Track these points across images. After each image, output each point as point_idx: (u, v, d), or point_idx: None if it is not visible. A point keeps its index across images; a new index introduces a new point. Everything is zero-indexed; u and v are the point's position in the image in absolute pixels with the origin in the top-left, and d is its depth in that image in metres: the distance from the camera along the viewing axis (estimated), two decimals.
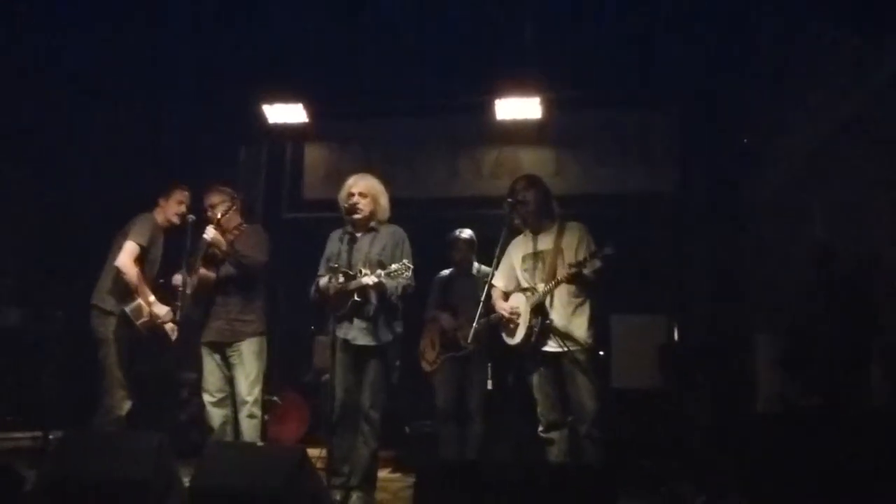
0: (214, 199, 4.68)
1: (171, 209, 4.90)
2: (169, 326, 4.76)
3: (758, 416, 4.70)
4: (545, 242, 4.28)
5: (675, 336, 6.25)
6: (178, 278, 4.70)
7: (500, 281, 4.43)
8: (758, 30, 5.71)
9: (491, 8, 5.90)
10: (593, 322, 4.19)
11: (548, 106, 6.59)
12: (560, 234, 4.24)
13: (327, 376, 4.42)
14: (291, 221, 7.31)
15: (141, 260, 4.74)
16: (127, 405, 4.72)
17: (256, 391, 4.62)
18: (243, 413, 4.60)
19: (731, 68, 6.15)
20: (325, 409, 4.42)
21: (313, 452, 4.14)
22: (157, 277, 4.93)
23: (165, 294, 4.82)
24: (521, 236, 4.42)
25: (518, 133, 6.97)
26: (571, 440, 4.19)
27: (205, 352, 4.69)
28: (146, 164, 6.97)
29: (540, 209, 4.30)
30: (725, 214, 6.46)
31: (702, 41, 6.06)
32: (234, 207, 4.71)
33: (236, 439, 4.56)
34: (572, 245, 4.18)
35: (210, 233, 4.52)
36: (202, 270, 4.55)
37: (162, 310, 4.76)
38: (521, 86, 6.41)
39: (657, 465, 4.97)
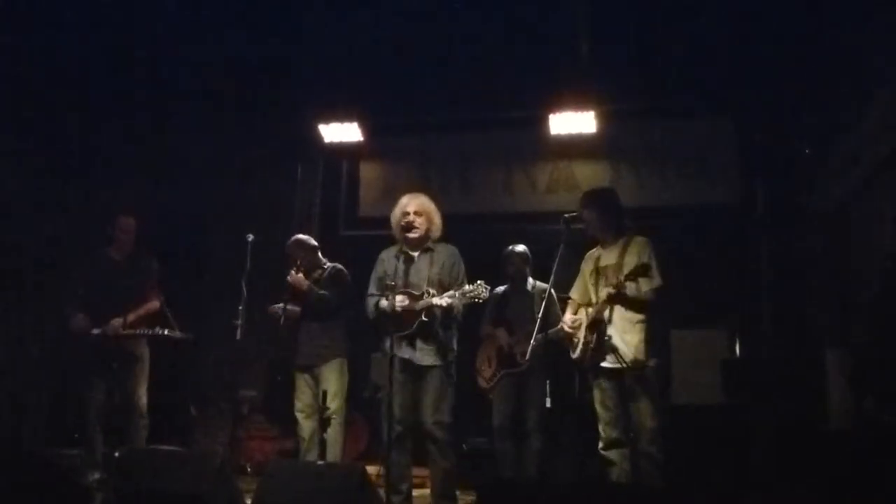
0: (295, 251, 5.19)
1: (119, 238, 5.38)
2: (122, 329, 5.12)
3: (830, 432, 4.53)
4: (610, 258, 4.28)
5: (737, 351, 6.09)
6: (275, 308, 5.05)
7: (576, 293, 4.47)
8: (819, 35, 5.56)
9: (544, 23, 5.88)
10: (649, 340, 4.12)
11: (603, 119, 6.53)
12: (624, 250, 4.21)
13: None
14: (348, 239, 7.35)
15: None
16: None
17: (336, 404, 4.90)
18: (327, 425, 4.87)
19: (791, 75, 5.99)
20: (382, 427, 4.44)
21: (371, 470, 4.15)
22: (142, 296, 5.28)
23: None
24: (593, 250, 4.44)
25: (573, 147, 6.90)
26: (633, 460, 4.11)
27: (297, 373, 5.03)
28: (206, 183, 7.14)
29: (602, 225, 4.32)
30: (788, 225, 6.28)
31: (760, 48, 5.94)
32: (311, 254, 5.21)
33: (322, 449, 4.82)
34: (632, 262, 4.14)
35: (292, 277, 5.03)
36: (289, 306, 5.02)
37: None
38: (575, 100, 6.37)
39: (723, 483, 4.83)
